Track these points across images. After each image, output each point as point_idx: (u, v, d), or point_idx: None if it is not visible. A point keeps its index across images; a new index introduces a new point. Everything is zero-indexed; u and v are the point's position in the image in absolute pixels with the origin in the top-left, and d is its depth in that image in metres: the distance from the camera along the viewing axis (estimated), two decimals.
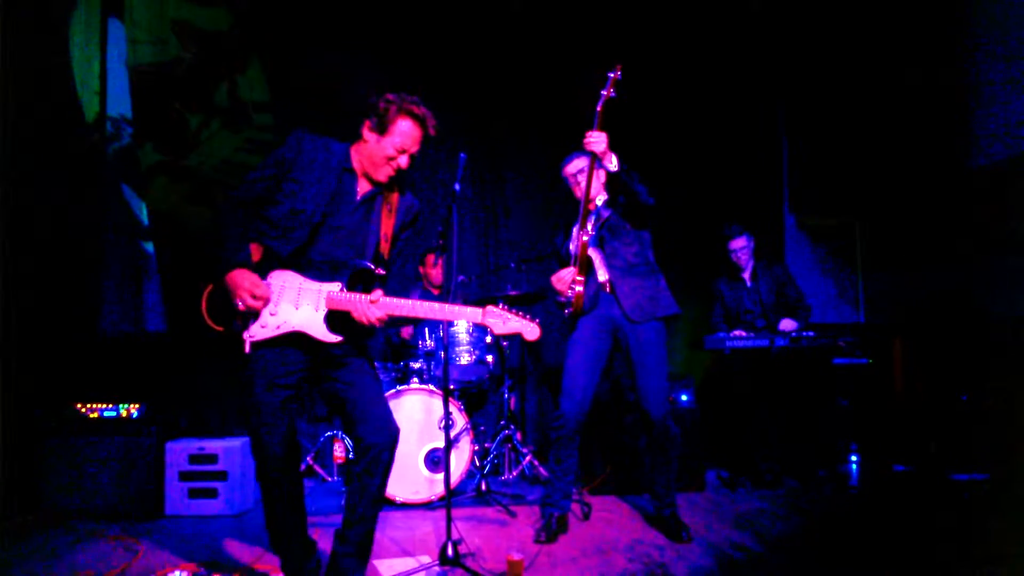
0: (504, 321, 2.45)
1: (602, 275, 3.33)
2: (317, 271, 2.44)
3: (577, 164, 3.44)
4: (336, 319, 2.42)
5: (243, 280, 2.33)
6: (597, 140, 3.07)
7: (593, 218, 3.36)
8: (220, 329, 2.41)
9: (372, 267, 2.48)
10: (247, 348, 2.38)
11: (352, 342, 2.50)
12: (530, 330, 2.47)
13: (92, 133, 4.67)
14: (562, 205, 5.02)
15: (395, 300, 2.39)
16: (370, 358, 2.61)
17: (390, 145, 2.42)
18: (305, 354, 2.45)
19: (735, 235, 4.55)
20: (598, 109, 3.13)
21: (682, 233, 5.11)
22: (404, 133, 2.42)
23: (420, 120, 2.43)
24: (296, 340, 2.42)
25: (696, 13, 5.19)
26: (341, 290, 2.41)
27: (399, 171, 2.48)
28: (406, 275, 4.76)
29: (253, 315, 2.39)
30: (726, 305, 4.69)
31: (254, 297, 2.34)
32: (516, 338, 5.00)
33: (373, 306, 2.37)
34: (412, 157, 2.48)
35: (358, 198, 2.50)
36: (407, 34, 4.98)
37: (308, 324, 2.40)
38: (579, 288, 3.28)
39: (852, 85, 5.13)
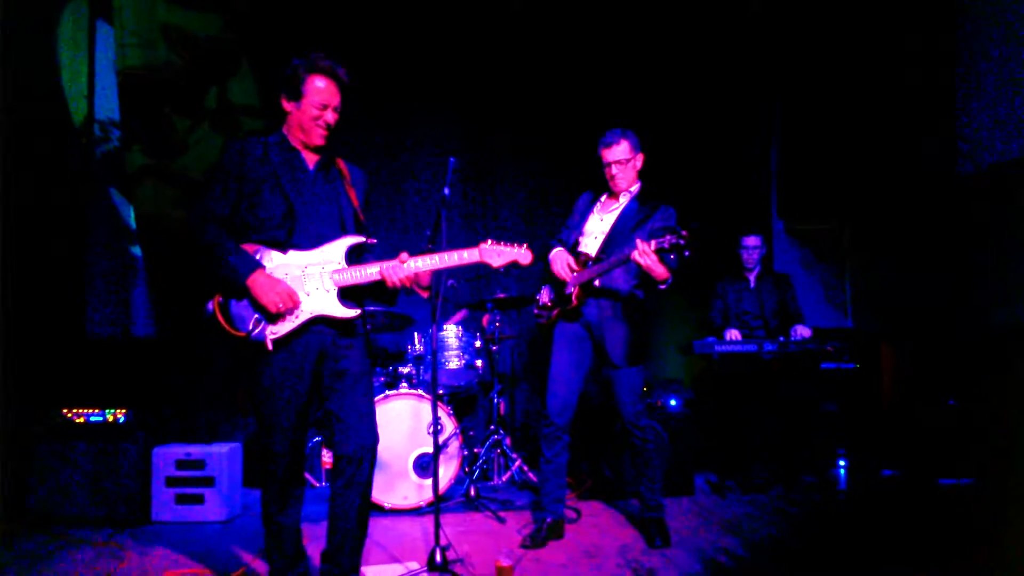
0: (499, 254, 2.58)
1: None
2: (313, 255, 2.45)
3: (619, 152, 3.29)
4: (348, 294, 2.46)
5: (269, 285, 2.33)
6: (647, 254, 2.93)
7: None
8: (241, 335, 2.38)
9: (364, 238, 2.54)
10: (269, 346, 2.36)
11: (361, 329, 2.57)
12: (523, 255, 2.59)
13: (80, 136, 4.64)
14: (562, 209, 5.04)
15: (417, 259, 2.52)
16: (371, 356, 2.63)
17: (310, 106, 2.44)
18: (321, 340, 2.46)
19: (751, 232, 4.77)
20: (664, 246, 2.86)
21: None
22: (319, 90, 2.44)
23: (329, 72, 2.45)
24: (312, 326, 2.43)
25: (691, 18, 5.21)
26: (343, 266, 2.44)
27: (330, 128, 2.50)
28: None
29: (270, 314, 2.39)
30: (727, 303, 4.79)
31: (291, 298, 2.35)
32: (507, 343, 5.07)
33: (403, 268, 2.47)
34: (337, 111, 2.50)
35: (311, 168, 2.53)
36: (400, 36, 4.97)
37: (324, 305, 2.43)
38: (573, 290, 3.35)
39: (842, 90, 5.15)
